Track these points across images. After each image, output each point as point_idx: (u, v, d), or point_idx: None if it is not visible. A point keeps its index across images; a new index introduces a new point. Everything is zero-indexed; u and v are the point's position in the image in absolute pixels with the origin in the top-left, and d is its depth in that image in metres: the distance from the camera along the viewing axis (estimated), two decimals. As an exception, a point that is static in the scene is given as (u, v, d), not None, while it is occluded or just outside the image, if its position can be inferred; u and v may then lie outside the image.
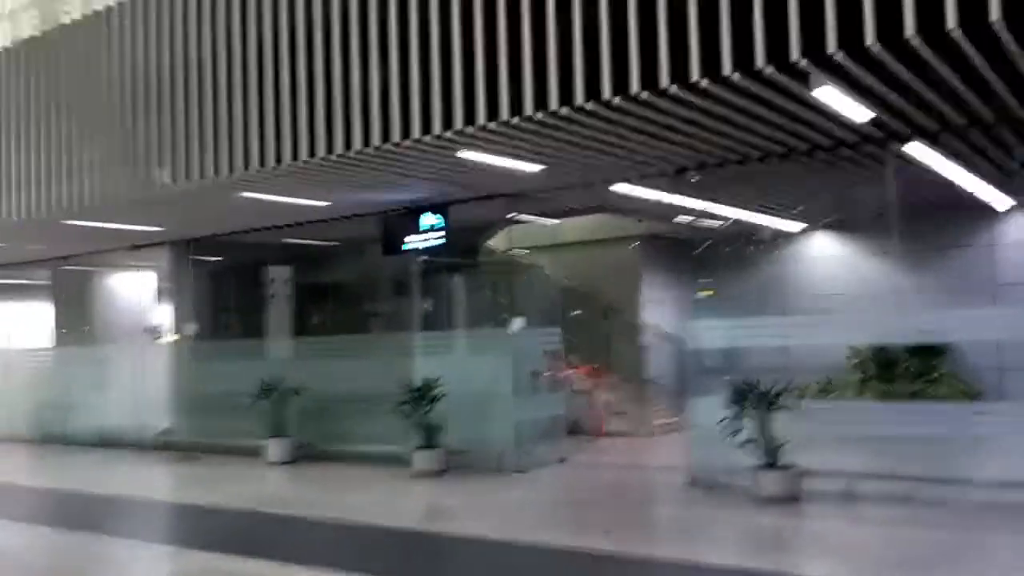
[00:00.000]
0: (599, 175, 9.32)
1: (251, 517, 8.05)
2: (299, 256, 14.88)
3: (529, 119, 6.82)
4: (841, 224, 14.26)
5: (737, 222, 13.46)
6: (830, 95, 6.28)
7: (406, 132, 7.42)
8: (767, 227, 14.16)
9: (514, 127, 7.03)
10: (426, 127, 7.28)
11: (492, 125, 6.99)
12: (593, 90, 6.47)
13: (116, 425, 13.95)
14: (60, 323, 16.86)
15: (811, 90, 6.17)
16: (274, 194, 9.76)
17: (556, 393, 11.16)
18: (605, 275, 14.80)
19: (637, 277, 14.91)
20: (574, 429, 11.94)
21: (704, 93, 6.37)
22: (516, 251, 14.85)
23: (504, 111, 6.83)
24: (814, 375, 13.02)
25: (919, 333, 10.52)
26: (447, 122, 7.16)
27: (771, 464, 7.93)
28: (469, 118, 7.04)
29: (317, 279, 15.19)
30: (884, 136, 7.69)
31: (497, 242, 14.94)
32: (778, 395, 8.05)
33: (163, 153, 9.23)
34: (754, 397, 7.99)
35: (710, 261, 16.00)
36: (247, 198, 9.92)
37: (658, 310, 15.03)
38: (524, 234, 14.35)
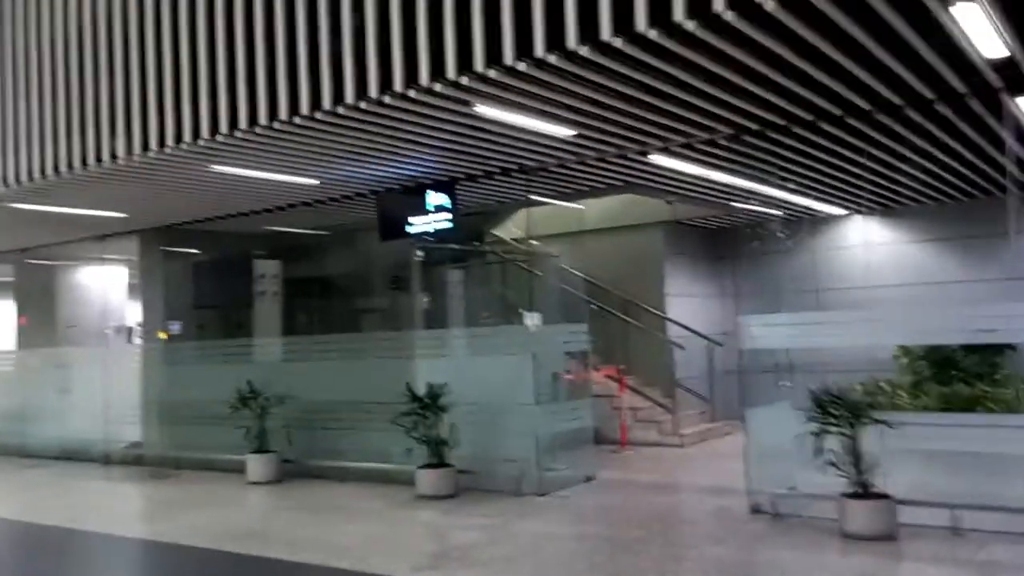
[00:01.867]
0: (635, 143, 7.81)
1: (215, 561, 6.53)
2: (283, 247, 13.35)
3: (572, 56, 5.31)
4: (888, 207, 12.81)
5: (774, 204, 12.01)
6: (971, 17, 4.81)
7: (412, 77, 5.90)
8: (807, 211, 12.69)
9: (552, 68, 5.52)
10: (438, 70, 5.76)
11: (522, 66, 5.48)
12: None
13: (79, 436, 12.45)
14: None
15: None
16: (250, 168, 8.23)
17: (581, 400, 9.66)
18: (625, 266, 13.33)
19: (661, 268, 13.46)
20: (594, 438, 10.48)
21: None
22: (525, 239, 13.37)
23: (539, 46, 5.32)
24: (855, 376, 11.67)
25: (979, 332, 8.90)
26: (464, 62, 5.64)
27: (861, 492, 6.46)
28: (493, 56, 5.52)
29: (304, 272, 13.65)
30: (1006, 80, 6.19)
31: (504, 230, 13.48)
32: (871, 406, 6.58)
33: (115, 120, 7.70)
34: (842, 408, 6.51)
35: (741, 250, 14.59)
36: (219, 174, 8.39)
37: (684, 304, 13.60)
38: (533, 221, 12.85)
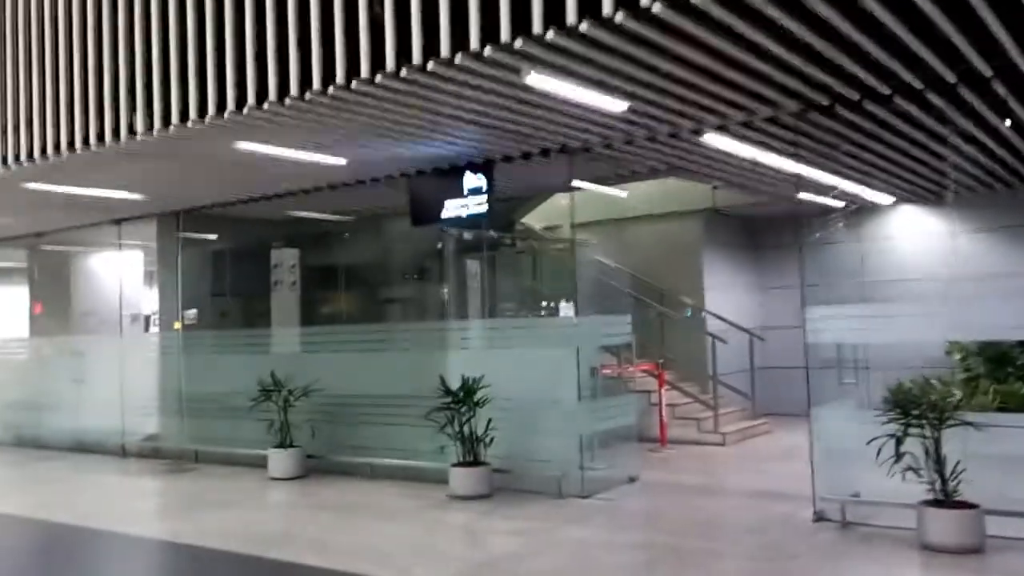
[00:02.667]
0: (691, 120, 7.25)
1: (240, 567, 6.04)
2: (306, 234, 12.86)
3: (642, 13, 4.75)
4: (939, 195, 12.19)
5: (821, 191, 11.41)
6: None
7: (461, 42, 5.35)
8: (854, 199, 12.09)
9: (616, 28, 4.96)
10: (490, 33, 5.21)
11: (584, 27, 4.92)
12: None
13: (95, 428, 12.02)
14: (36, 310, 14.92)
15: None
16: (276, 146, 7.71)
17: (625, 397, 9.12)
18: (661, 256, 12.77)
19: (699, 259, 12.89)
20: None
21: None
22: (556, 227, 12.83)
23: (607, 3, 4.76)
24: (905, 373, 11.11)
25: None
26: (520, 24, 5.10)
27: (943, 500, 5.91)
28: (552, 17, 4.97)
29: (327, 260, 13.16)
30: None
31: (533, 218, 12.94)
32: (954, 407, 6.02)
33: (135, 92, 7.19)
34: (925, 408, 5.95)
35: (782, 240, 14.00)
36: (243, 152, 7.87)
37: (722, 297, 13.04)
38: (561, 208, 12.32)
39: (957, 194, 11.95)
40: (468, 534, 6.74)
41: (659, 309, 12.21)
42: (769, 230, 14.12)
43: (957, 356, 11.67)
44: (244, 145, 7.60)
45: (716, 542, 6.20)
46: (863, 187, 11.26)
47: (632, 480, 8.49)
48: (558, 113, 6.90)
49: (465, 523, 7.07)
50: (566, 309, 10.58)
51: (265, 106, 6.36)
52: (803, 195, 11.76)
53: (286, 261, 12.50)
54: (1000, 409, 8.91)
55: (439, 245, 10.91)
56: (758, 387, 12.69)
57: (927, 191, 11.75)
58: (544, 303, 11.08)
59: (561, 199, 12.16)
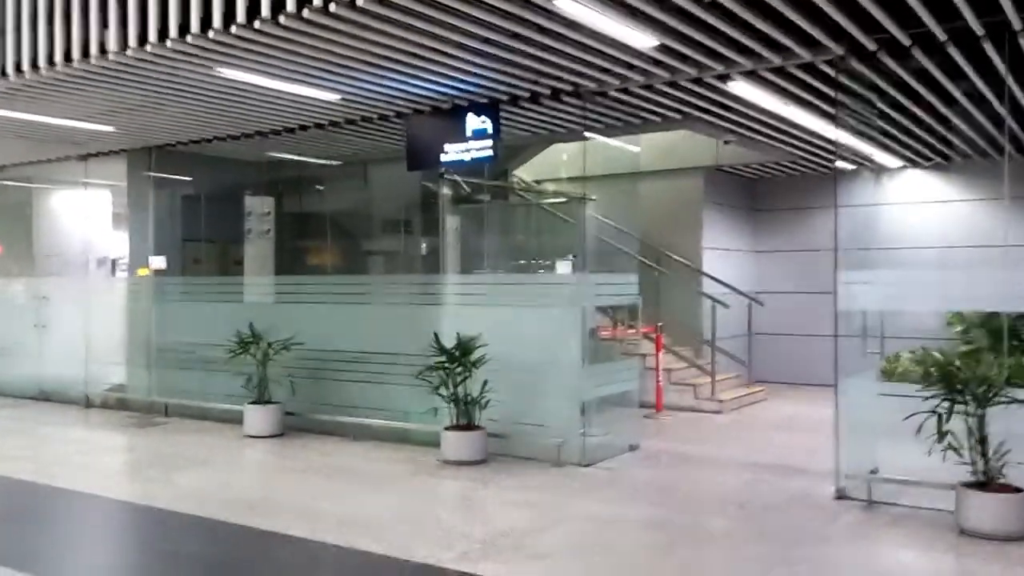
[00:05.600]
0: (722, 62, 6.66)
1: (221, 535, 5.48)
2: (288, 178, 12.13)
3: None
4: (948, 160, 11.73)
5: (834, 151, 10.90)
6: None
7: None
8: (864, 160, 11.59)
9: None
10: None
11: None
12: None
13: (57, 376, 11.35)
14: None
15: None
16: (263, 75, 7.01)
17: (627, 360, 8.62)
18: (658, 214, 12.22)
19: (698, 217, 12.37)
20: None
21: None
22: (546, 182, 12.23)
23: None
24: (906, 344, 10.73)
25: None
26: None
27: (985, 483, 5.48)
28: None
29: (310, 207, 12.48)
30: None
31: (528, 171, 12.30)
32: (997, 383, 5.56)
33: (107, 6, 6.43)
34: (972, 384, 5.49)
35: (785, 201, 13.52)
36: (226, 81, 7.16)
37: (721, 259, 12.57)
38: (557, 161, 11.72)
39: (969, 158, 11.51)
40: (467, 505, 6.22)
41: (657, 269, 11.69)
42: (768, 192, 13.64)
43: (958, 328, 11.32)
44: (228, 73, 6.89)
45: (736, 521, 5.73)
46: (875, 148, 10.76)
47: (633, 448, 8.03)
48: (578, 47, 6.27)
49: (462, 492, 6.56)
50: (563, 266, 10.03)
51: (256, 24, 5.66)
52: (808, 155, 11.30)
53: (259, 209, 11.78)
54: (1008, 383, 8.57)
55: (432, 193, 10.25)
56: (758, 354, 12.29)
57: (940, 155, 11.29)
58: (540, 259, 10.50)
59: (556, 151, 11.56)
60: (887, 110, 8.37)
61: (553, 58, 6.57)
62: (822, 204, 13.02)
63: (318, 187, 12.33)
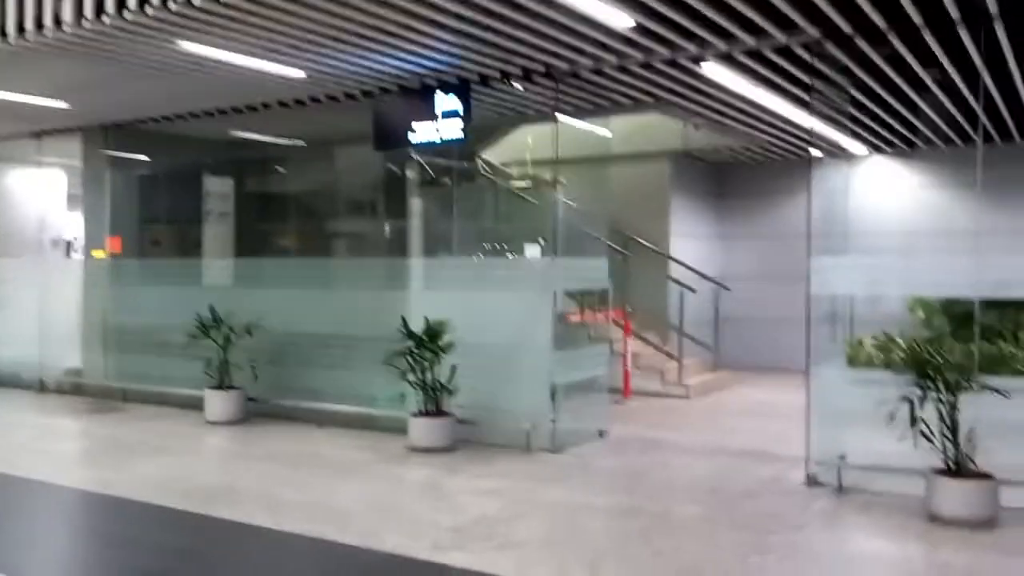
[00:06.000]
0: (697, 44, 6.56)
1: (180, 525, 5.31)
2: (250, 158, 11.85)
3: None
4: (912, 148, 11.80)
5: (801, 136, 10.92)
6: None
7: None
8: (831, 147, 11.62)
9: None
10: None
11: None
12: None
13: (9, 359, 11.01)
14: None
15: None
16: (227, 49, 6.77)
17: (597, 346, 8.55)
18: (625, 199, 12.14)
19: (666, 202, 12.32)
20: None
21: None
22: (511, 165, 12.08)
23: None
24: (865, 329, 10.80)
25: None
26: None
27: (955, 469, 5.48)
28: None
29: (273, 187, 12.20)
30: None
31: (494, 154, 12.14)
32: (971, 370, 5.57)
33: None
34: (945, 371, 5.48)
35: (752, 188, 13.53)
36: (188, 56, 6.91)
37: (688, 245, 12.54)
38: (523, 144, 11.58)
39: (935, 146, 11.59)
40: (436, 493, 6.09)
41: (624, 254, 11.62)
42: (734, 178, 13.64)
43: (920, 314, 11.42)
44: (189, 47, 6.64)
45: (708, 508, 5.68)
46: (842, 135, 10.78)
47: (602, 434, 7.97)
48: (553, 25, 6.13)
49: (430, 480, 6.43)
50: (532, 251, 9.92)
51: (219, -4, 5.44)
52: (775, 140, 11.29)
53: (218, 189, 11.50)
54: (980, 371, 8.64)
55: (397, 176, 10.06)
56: (725, 340, 12.30)
57: (907, 142, 11.35)
58: (508, 244, 10.37)
59: (522, 134, 11.42)
60: (859, 96, 8.36)
61: (526, 36, 6.42)
62: (787, 191, 13.06)
63: (281, 168, 12.05)
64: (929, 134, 10.88)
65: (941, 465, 5.52)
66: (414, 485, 6.42)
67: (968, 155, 11.61)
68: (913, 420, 5.43)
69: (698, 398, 10.54)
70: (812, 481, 6.27)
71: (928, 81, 7.66)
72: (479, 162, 11.87)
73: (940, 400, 5.48)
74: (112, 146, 10.88)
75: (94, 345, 10.49)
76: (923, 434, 5.47)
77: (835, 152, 11.92)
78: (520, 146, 11.63)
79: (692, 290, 11.07)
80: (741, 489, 6.18)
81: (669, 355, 11.14)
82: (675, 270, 11.68)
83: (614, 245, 11.43)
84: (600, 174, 12.09)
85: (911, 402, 5.46)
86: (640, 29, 6.17)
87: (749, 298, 12.88)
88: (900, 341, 10.25)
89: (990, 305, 10.49)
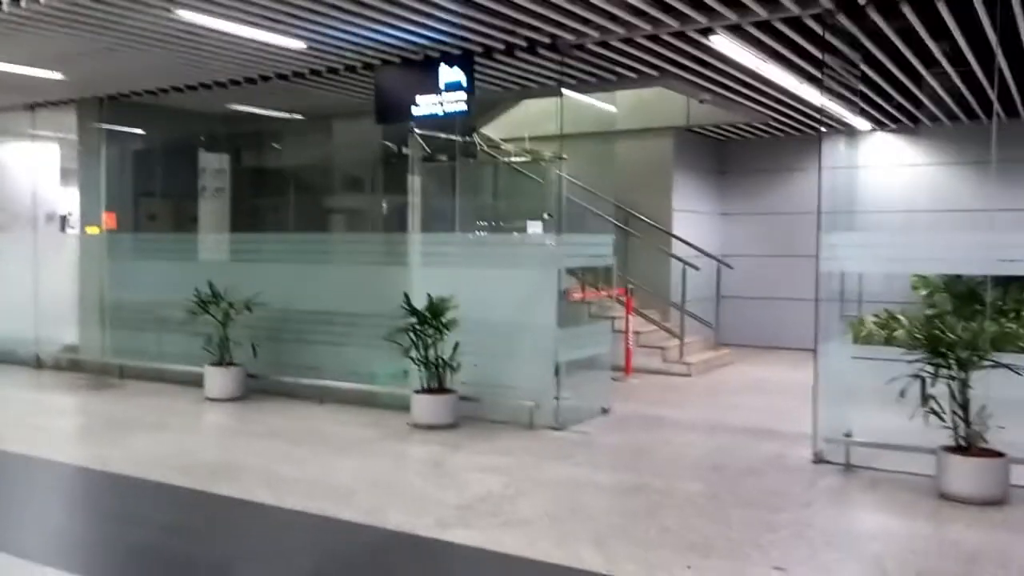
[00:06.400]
0: (706, 14, 6.43)
1: (180, 502, 5.24)
2: (248, 132, 11.70)
3: None
4: (916, 124, 11.68)
5: (806, 111, 10.81)
6: None
7: None
8: (836, 122, 11.50)
9: None
10: None
11: None
12: None
13: (6, 335, 10.91)
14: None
15: None
16: (225, 19, 6.62)
17: (600, 323, 8.48)
18: (628, 175, 12.03)
19: (668, 178, 12.20)
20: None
21: None
22: (514, 141, 11.94)
23: None
24: (867, 307, 10.75)
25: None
26: None
27: (966, 447, 5.42)
28: None
29: (271, 162, 12.06)
30: None
31: (494, 129, 12.00)
32: (984, 347, 5.49)
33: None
34: (957, 347, 5.40)
35: (747, 165, 13.42)
36: (185, 26, 6.76)
37: (689, 222, 12.44)
38: (522, 120, 11.45)
39: (939, 123, 11.49)
40: (439, 470, 6.02)
41: (627, 231, 11.52)
42: (736, 154, 13.51)
43: (923, 292, 11.36)
44: (188, 16, 6.49)
45: (713, 485, 5.62)
46: (847, 110, 10.65)
47: (604, 412, 7.91)
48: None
49: (433, 456, 6.36)
50: (534, 227, 9.82)
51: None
52: (782, 117, 11.17)
53: (213, 164, 11.34)
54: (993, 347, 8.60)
55: (397, 150, 9.92)
56: (725, 317, 12.24)
57: (911, 117, 11.22)
58: (510, 220, 10.26)
59: (522, 109, 11.28)
60: (868, 71, 8.23)
61: (533, 6, 6.28)
62: (789, 168, 12.98)
63: (279, 142, 11.90)
64: (935, 110, 10.76)
65: (951, 443, 5.46)
66: (417, 462, 6.36)
67: (973, 132, 11.57)
68: (925, 398, 5.37)
69: (699, 376, 10.48)
70: (819, 458, 6.21)
71: (938, 55, 7.53)
72: (477, 137, 11.75)
73: (952, 377, 5.42)
74: (107, 119, 10.72)
75: (91, 321, 10.39)
76: (934, 412, 5.41)
77: (839, 127, 11.79)
78: (521, 121, 11.50)
79: (696, 268, 10.98)
80: (745, 466, 6.12)
81: (670, 332, 11.07)
82: (676, 247, 11.59)
83: (616, 221, 11.34)
84: (602, 149, 11.97)
85: (923, 380, 5.40)
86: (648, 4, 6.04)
87: (750, 276, 12.82)
88: (901, 318, 10.25)
89: (995, 283, 10.46)
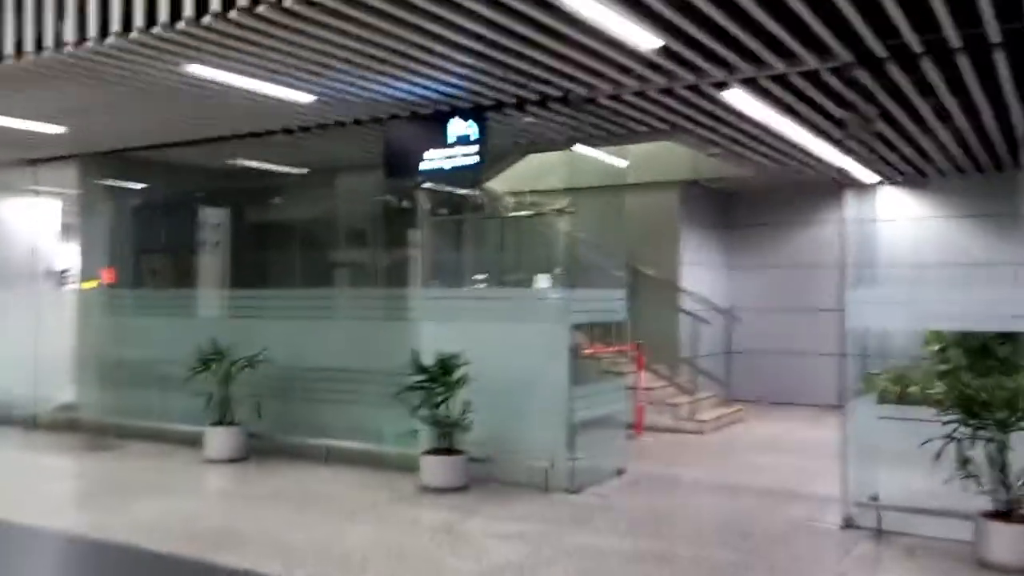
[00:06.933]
0: (722, 67, 6.35)
1: (177, 569, 4.97)
2: (251, 187, 11.59)
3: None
4: (923, 177, 11.64)
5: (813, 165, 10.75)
6: None
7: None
8: (842, 176, 11.45)
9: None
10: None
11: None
12: None
13: (1, 395, 10.62)
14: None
15: None
16: (235, 72, 6.53)
17: (614, 380, 8.27)
18: (635, 229, 11.90)
19: (675, 232, 12.10)
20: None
21: None
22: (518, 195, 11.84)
23: None
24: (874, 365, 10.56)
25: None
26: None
27: (1007, 512, 5.19)
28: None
29: (273, 216, 11.92)
30: None
31: (499, 183, 11.90)
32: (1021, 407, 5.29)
33: (64, -5, 5.92)
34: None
35: (753, 218, 13.34)
36: (193, 79, 6.67)
37: (697, 275, 12.30)
38: (526, 174, 11.39)
39: (944, 176, 11.45)
40: (455, 537, 5.75)
41: (635, 286, 11.34)
42: (742, 207, 13.44)
43: (935, 347, 11.17)
44: (195, 69, 6.40)
45: (743, 553, 5.37)
46: (854, 163, 10.60)
47: (620, 473, 7.65)
48: (575, 47, 5.90)
49: (447, 522, 6.09)
50: (542, 281, 9.65)
51: (232, 14, 5.20)
52: (790, 172, 11.11)
53: (212, 219, 11.23)
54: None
55: (399, 203, 9.81)
56: (735, 372, 12.04)
57: (918, 171, 11.18)
58: (517, 275, 10.10)
59: (528, 163, 11.21)
60: (880, 125, 8.17)
61: (546, 59, 6.20)
62: (795, 220, 12.92)
63: (283, 195, 11.79)
64: (944, 163, 10.72)
65: (990, 508, 5.23)
66: (430, 528, 6.08)
67: (980, 184, 11.54)
68: (963, 461, 5.16)
69: (712, 433, 10.24)
70: (849, 523, 5.96)
71: (956, 109, 7.47)
72: (479, 192, 11.65)
73: (990, 439, 5.21)
74: (108, 174, 10.61)
75: (89, 380, 10.14)
76: (971, 475, 5.19)
77: (847, 181, 11.74)
78: (519, 177, 11.44)
79: (707, 322, 10.80)
80: (773, 532, 5.86)
81: (680, 388, 10.86)
82: (686, 301, 11.43)
83: (624, 276, 11.19)
84: (610, 203, 11.88)
85: (959, 442, 5.19)
86: (666, 51, 5.96)
87: (758, 330, 12.65)
88: (917, 375, 10.04)
89: (1005, 338, 10.27)
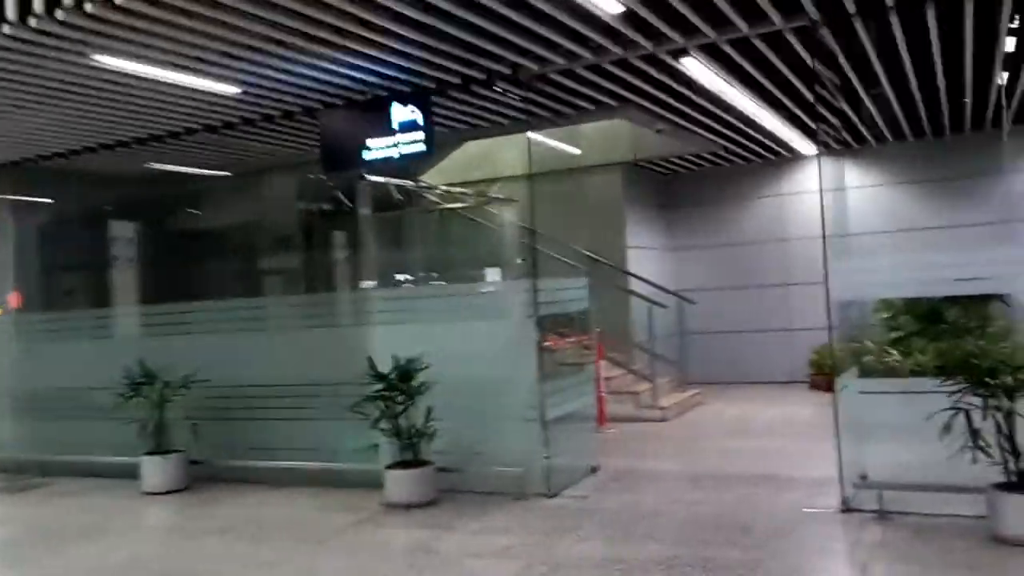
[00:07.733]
0: (682, 33, 5.97)
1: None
2: (172, 193, 10.81)
3: None
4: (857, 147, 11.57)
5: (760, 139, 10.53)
6: None
7: None
8: (784, 149, 11.32)
9: None
10: None
11: None
12: None
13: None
14: None
15: None
16: (150, 62, 5.86)
17: (581, 373, 7.85)
18: (578, 214, 11.53)
19: (621, 217, 11.76)
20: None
21: None
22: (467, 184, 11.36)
23: None
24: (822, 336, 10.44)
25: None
26: None
27: (1019, 483, 4.93)
28: None
29: (199, 224, 11.15)
30: None
31: (435, 175, 11.37)
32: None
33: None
34: (1001, 375, 4.94)
35: (696, 198, 13.12)
36: (105, 72, 5.98)
37: (645, 258, 12.01)
38: (463, 163, 10.93)
39: (884, 143, 11.40)
40: (435, 559, 5.23)
41: (584, 272, 10.95)
42: (681, 188, 13.20)
43: (884, 314, 11.09)
44: (106, 60, 5.71)
45: (749, 550, 4.99)
46: (794, 135, 10.44)
47: (594, 471, 7.24)
48: (530, 15, 5.43)
49: (423, 542, 5.56)
50: (492, 274, 9.20)
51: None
52: (735, 147, 10.89)
53: (124, 233, 10.45)
54: (939, 370, 8.25)
55: (338, 202, 9.21)
56: (690, 355, 11.76)
57: (850, 140, 11.09)
58: (465, 269, 9.62)
59: (463, 152, 10.73)
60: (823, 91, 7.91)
61: (500, 31, 5.71)
62: (735, 198, 12.75)
63: (205, 201, 11.03)
64: (884, 130, 10.64)
65: (1001, 479, 4.97)
66: (404, 550, 5.54)
67: (918, 150, 11.53)
68: (973, 433, 4.88)
69: (676, 419, 9.95)
70: (847, 507, 5.65)
71: (908, 69, 7.26)
72: (416, 185, 11.10)
73: (996, 408, 4.95)
74: (10, 186, 9.71)
75: (2, 414, 9.25)
76: (980, 448, 4.92)
77: (784, 153, 11.63)
78: (455, 167, 10.96)
79: (663, 306, 10.48)
80: (773, 523, 5.50)
81: (638, 375, 10.52)
82: (635, 285, 11.09)
83: (571, 262, 10.79)
84: (551, 189, 11.45)
85: (967, 413, 4.92)
86: (626, 17, 5.53)
87: (705, 311, 12.38)
88: (869, 344, 9.91)
89: (951, 301, 10.21)
